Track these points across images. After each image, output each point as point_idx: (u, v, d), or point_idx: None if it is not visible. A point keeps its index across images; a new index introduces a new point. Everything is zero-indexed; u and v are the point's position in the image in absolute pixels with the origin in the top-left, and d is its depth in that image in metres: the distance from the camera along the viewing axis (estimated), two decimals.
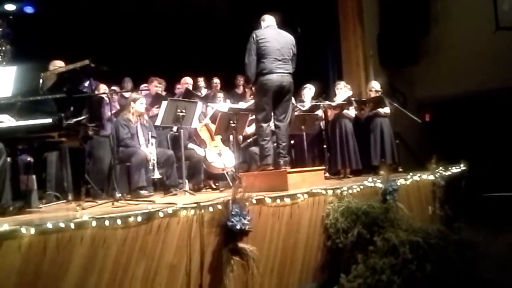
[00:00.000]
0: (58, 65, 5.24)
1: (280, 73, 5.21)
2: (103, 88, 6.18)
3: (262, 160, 5.34)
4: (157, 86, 7.01)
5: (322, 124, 7.31)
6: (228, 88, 8.65)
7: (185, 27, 9.14)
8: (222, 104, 7.07)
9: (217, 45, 9.29)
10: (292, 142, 7.22)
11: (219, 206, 3.56)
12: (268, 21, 5.50)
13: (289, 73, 5.30)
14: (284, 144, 5.36)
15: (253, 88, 7.22)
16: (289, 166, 5.42)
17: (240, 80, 8.71)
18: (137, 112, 5.79)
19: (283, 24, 5.61)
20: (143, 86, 7.11)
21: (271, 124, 5.45)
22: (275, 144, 5.44)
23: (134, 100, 5.81)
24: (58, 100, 3.90)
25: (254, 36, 5.27)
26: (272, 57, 5.20)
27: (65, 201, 4.79)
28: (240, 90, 8.71)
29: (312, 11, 9.51)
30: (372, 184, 5.29)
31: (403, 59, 10.02)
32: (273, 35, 5.31)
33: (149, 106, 6.42)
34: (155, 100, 6.52)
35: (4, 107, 3.86)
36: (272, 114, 5.38)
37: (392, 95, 9.21)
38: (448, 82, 10.06)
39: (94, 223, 2.87)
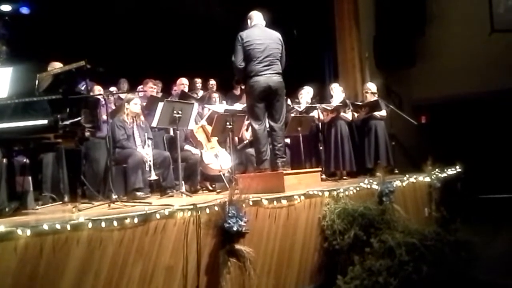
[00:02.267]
0: (56, 66, 5.22)
1: (267, 75, 5.16)
2: (97, 89, 6.16)
3: (259, 165, 5.33)
4: (152, 87, 6.98)
5: (319, 125, 7.31)
6: (225, 89, 8.65)
7: (181, 28, 9.14)
8: (219, 106, 7.06)
9: (214, 46, 9.28)
10: (288, 143, 7.23)
11: (216, 208, 3.55)
12: (255, 19, 5.42)
13: (277, 73, 5.24)
14: (280, 145, 5.34)
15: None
16: (289, 167, 5.40)
17: None
18: (132, 112, 5.77)
19: (279, 26, 5.59)
20: (139, 87, 7.10)
21: (267, 126, 5.44)
22: (271, 146, 5.43)
23: (128, 101, 5.79)
24: (54, 101, 3.88)
25: (240, 38, 5.23)
26: (258, 58, 5.16)
27: (61, 202, 4.78)
28: (237, 91, 8.70)
29: (308, 13, 9.53)
30: (369, 186, 5.30)
31: (399, 61, 10.03)
32: (259, 36, 5.25)
33: (143, 109, 6.40)
34: (150, 102, 6.49)
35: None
36: (267, 115, 5.37)
37: (388, 97, 9.25)
38: (443, 84, 10.09)
39: (90, 225, 2.86)
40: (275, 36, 5.35)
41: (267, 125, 5.42)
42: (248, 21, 5.47)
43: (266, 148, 5.31)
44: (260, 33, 5.29)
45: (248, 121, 6.54)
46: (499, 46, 9.60)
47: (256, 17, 5.44)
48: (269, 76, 5.18)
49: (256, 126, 5.31)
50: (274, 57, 5.24)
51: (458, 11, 10.17)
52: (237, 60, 5.21)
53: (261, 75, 5.16)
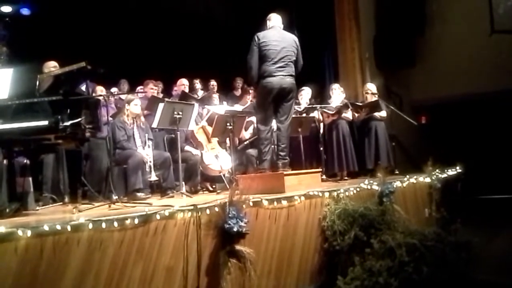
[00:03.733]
0: (51, 66, 5.23)
1: (280, 76, 5.21)
2: (100, 89, 6.18)
3: (259, 164, 5.35)
4: (152, 88, 6.99)
5: (321, 126, 7.31)
6: (226, 90, 8.66)
7: (182, 29, 9.14)
8: (219, 107, 7.07)
9: (214, 47, 9.30)
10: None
11: (216, 209, 3.56)
12: (274, 21, 5.48)
13: (290, 75, 5.29)
14: (283, 145, 5.36)
15: (250, 91, 7.27)
16: (289, 168, 5.41)
17: (239, 82, 8.73)
18: (132, 113, 5.77)
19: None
20: (139, 88, 7.11)
21: (274, 127, 5.45)
22: (274, 146, 5.44)
23: (128, 102, 5.80)
24: (55, 102, 3.89)
25: (256, 38, 5.28)
26: (272, 60, 5.21)
27: (61, 203, 4.79)
28: (238, 92, 8.72)
29: (309, 14, 9.54)
30: (369, 187, 5.30)
31: (399, 62, 10.03)
32: (275, 38, 5.29)
33: (145, 109, 6.41)
34: (151, 102, 6.50)
35: (0, 109, 3.85)
36: (274, 115, 5.38)
37: (388, 98, 9.24)
38: (443, 85, 10.08)
39: (90, 226, 2.87)
40: (291, 39, 5.39)
41: (274, 127, 5.45)
42: (267, 22, 5.52)
43: (268, 148, 5.34)
44: (276, 35, 5.33)
45: (248, 120, 6.57)
46: (499, 46, 9.59)
47: (274, 19, 5.49)
48: (282, 78, 5.22)
49: (261, 128, 5.36)
50: (288, 59, 5.29)
51: (458, 11, 10.17)
52: (251, 60, 5.26)
53: (275, 76, 5.20)
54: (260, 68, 5.25)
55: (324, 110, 7.25)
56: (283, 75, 5.22)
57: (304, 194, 4.43)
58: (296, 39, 5.45)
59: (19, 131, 3.79)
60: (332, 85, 7.88)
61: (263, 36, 5.30)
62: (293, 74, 5.34)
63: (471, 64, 9.77)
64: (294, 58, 5.36)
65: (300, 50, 5.44)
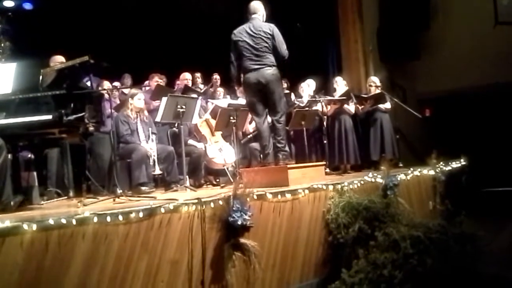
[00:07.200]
0: (58, 60, 5.23)
1: (257, 70, 5.18)
2: (107, 85, 6.18)
3: (263, 159, 5.35)
4: (157, 81, 6.99)
5: (323, 119, 7.30)
6: (229, 84, 8.63)
7: (185, 24, 9.13)
8: (222, 100, 7.07)
9: (217, 42, 9.27)
10: (292, 137, 7.22)
11: (220, 202, 3.56)
12: (250, 12, 5.38)
13: (268, 66, 5.18)
14: (280, 138, 5.31)
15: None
16: (293, 160, 5.39)
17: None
18: (136, 107, 5.77)
19: (282, 20, 5.56)
20: (146, 83, 7.11)
21: (269, 120, 5.44)
22: (273, 139, 5.43)
23: (132, 96, 5.80)
24: (58, 96, 3.89)
25: (233, 35, 5.30)
26: (247, 55, 5.20)
27: (66, 197, 4.80)
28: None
29: (312, 6, 9.50)
30: (373, 179, 5.29)
31: (403, 54, 9.99)
32: (246, 32, 5.24)
33: (149, 100, 6.41)
34: (156, 92, 6.48)
35: (3, 104, 3.85)
36: (267, 110, 5.37)
37: (392, 90, 9.21)
38: (448, 77, 10.05)
39: (95, 219, 2.88)
40: (263, 30, 5.25)
41: (269, 119, 5.43)
42: (248, 15, 5.43)
43: (268, 142, 5.32)
44: (248, 29, 5.26)
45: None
46: (504, 38, 9.55)
47: (252, 10, 5.39)
48: (259, 71, 5.18)
49: (256, 120, 5.38)
50: (263, 51, 5.20)
51: (462, 3, 10.11)
52: (230, 58, 5.29)
53: (252, 70, 5.19)
54: (240, 65, 5.27)
55: (327, 98, 7.25)
56: (259, 68, 5.18)
57: (308, 187, 4.43)
58: (272, 27, 5.28)
59: (23, 126, 3.80)
60: (336, 78, 7.88)
61: (237, 32, 5.28)
62: (271, 64, 5.20)
63: (475, 56, 9.73)
64: (271, 47, 5.22)
65: (278, 37, 5.24)
